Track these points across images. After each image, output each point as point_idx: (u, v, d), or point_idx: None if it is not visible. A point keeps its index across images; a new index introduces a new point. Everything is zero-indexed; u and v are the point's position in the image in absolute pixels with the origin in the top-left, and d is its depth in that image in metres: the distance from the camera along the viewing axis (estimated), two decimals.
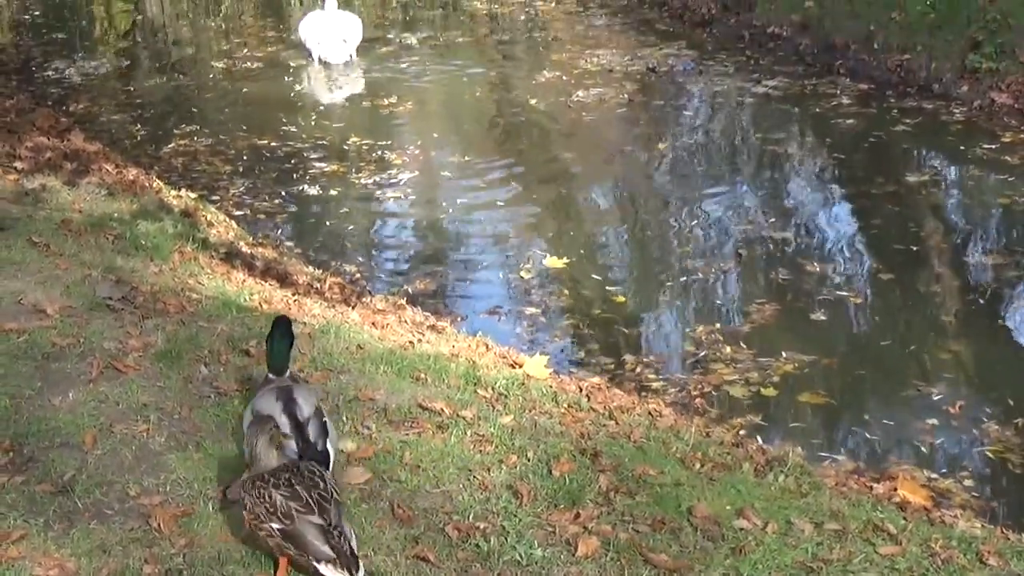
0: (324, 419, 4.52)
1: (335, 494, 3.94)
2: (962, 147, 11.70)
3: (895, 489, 5.40)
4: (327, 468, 4.26)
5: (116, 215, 8.53)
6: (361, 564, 3.84)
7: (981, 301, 8.83)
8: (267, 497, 3.88)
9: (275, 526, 3.84)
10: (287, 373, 4.69)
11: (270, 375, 4.69)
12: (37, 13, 18.98)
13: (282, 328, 4.69)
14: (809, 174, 11.74)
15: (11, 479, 4.42)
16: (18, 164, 9.37)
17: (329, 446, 4.44)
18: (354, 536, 3.89)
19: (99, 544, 4.09)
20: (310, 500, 3.85)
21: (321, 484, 3.92)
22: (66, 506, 4.30)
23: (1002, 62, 12.54)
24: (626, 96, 13.80)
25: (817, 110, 13.01)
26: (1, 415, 4.89)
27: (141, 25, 18.58)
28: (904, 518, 4.91)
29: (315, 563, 3.81)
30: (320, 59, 15.34)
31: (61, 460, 4.58)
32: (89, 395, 5.13)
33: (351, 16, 15.57)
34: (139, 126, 13.20)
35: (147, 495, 4.42)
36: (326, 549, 3.78)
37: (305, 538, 3.80)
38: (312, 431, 4.41)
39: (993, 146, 11.54)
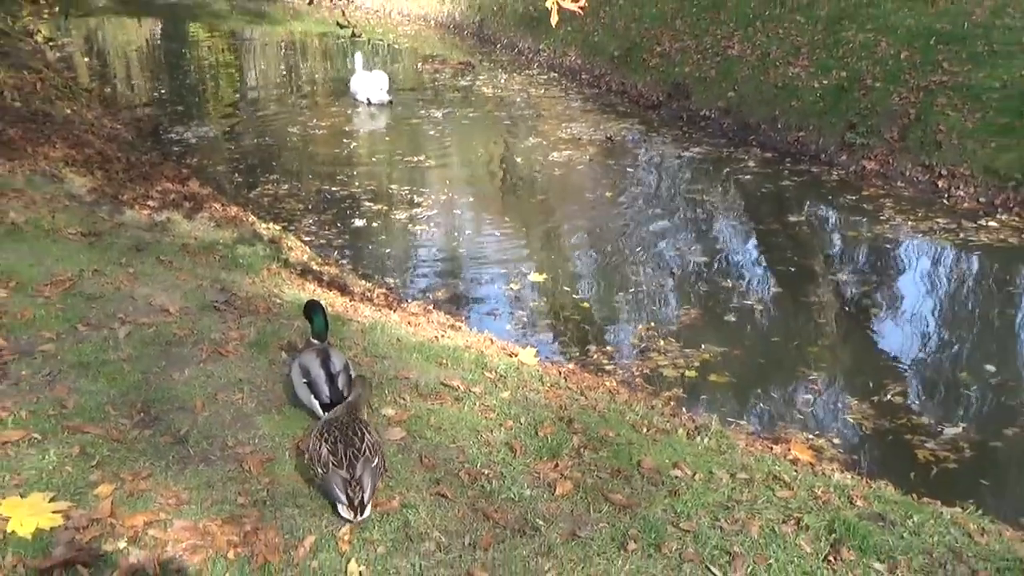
0: (351, 373, 4.58)
1: (368, 452, 3.84)
2: (830, 197, 11.73)
3: (789, 449, 5.36)
4: (349, 404, 4.15)
5: (221, 241, 8.46)
6: (367, 509, 3.78)
7: (846, 309, 8.83)
8: (317, 449, 3.88)
9: (319, 471, 3.85)
10: (326, 341, 4.78)
11: (312, 340, 4.79)
12: (164, 90, 18.88)
13: (318, 307, 4.85)
14: (721, 215, 11.71)
15: (141, 432, 4.34)
16: (150, 202, 9.29)
17: (351, 391, 4.39)
18: (370, 487, 3.78)
19: (205, 481, 4.01)
20: (344, 456, 3.81)
21: (357, 442, 3.86)
22: (181, 453, 4.21)
23: (871, 138, 12.65)
24: (588, 157, 13.76)
25: (728, 170, 13.01)
26: (135, 386, 4.80)
27: (240, 100, 18.49)
28: (795, 470, 4.87)
29: (336, 503, 3.81)
30: (368, 101, 17.03)
31: (178, 419, 4.50)
32: (200, 372, 5.05)
33: (381, 72, 17.36)
34: (237, 175, 13.11)
35: (241, 445, 4.34)
36: (343, 496, 3.76)
37: (331, 485, 3.79)
38: (341, 381, 4.50)
39: (855, 197, 11.58)
